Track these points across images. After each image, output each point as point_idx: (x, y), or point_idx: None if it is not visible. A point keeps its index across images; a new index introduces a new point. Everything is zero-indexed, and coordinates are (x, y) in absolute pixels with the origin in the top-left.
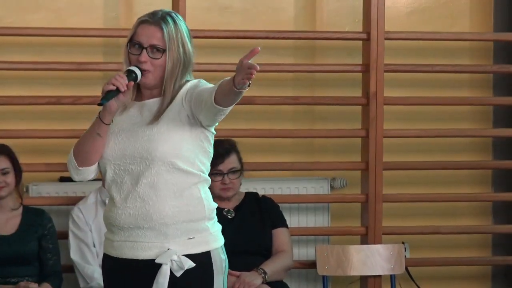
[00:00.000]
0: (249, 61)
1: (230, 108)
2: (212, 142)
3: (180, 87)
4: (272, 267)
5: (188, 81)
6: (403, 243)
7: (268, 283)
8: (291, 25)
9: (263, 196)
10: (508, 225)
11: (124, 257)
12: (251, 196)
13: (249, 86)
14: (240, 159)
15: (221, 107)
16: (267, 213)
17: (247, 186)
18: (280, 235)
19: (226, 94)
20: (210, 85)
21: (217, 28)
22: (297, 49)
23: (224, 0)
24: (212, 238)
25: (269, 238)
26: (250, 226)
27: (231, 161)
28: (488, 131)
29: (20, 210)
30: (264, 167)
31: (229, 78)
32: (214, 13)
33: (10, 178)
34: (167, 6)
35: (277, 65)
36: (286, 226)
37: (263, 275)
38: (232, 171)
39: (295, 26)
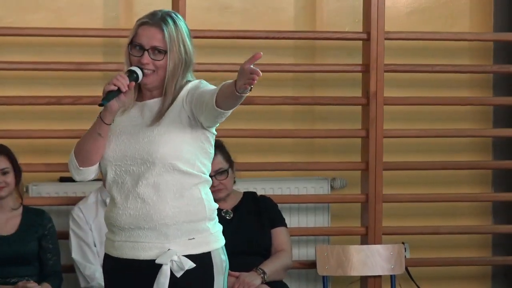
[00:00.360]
0: (251, 66)
1: (231, 110)
2: (213, 143)
3: (181, 87)
4: (272, 267)
5: (189, 81)
6: (403, 243)
7: (267, 283)
8: (291, 25)
9: (261, 195)
10: (508, 225)
11: (124, 257)
12: (249, 196)
13: (250, 90)
14: (227, 159)
15: (222, 110)
16: (266, 212)
17: (247, 186)
18: (279, 235)
19: (228, 97)
20: (211, 87)
21: (217, 28)
22: (297, 49)
23: (224, 0)
24: (213, 239)
25: (268, 237)
26: (249, 226)
27: (216, 162)
28: (488, 131)
29: (20, 210)
30: (264, 167)
31: (231, 81)
32: (214, 13)
33: (10, 178)
34: (167, 6)
35: (277, 65)
36: (285, 225)
37: (262, 275)
38: (219, 172)
39: (295, 26)
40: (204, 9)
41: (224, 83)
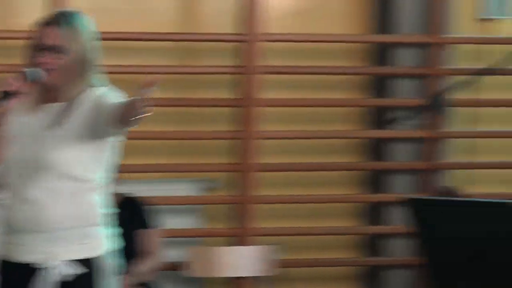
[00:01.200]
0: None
1: (130, 127)
2: (112, 151)
3: (84, 90)
4: (140, 269)
5: (94, 85)
6: (274, 244)
7: (137, 285)
8: (169, 27)
9: (132, 197)
10: (375, 226)
11: (13, 260)
12: (119, 198)
13: (145, 114)
14: None
15: (120, 125)
16: (135, 214)
17: (118, 187)
18: (147, 236)
19: (124, 116)
20: (116, 98)
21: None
22: (173, 51)
23: (103, 1)
24: (101, 244)
25: (138, 239)
26: (118, 227)
27: None
28: (360, 132)
29: None
30: (136, 169)
31: (128, 100)
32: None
33: None
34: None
35: (152, 66)
36: (155, 227)
37: (131, 277)
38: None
39: (172, 28)
40: (85, 10)
41: (124, 100)
